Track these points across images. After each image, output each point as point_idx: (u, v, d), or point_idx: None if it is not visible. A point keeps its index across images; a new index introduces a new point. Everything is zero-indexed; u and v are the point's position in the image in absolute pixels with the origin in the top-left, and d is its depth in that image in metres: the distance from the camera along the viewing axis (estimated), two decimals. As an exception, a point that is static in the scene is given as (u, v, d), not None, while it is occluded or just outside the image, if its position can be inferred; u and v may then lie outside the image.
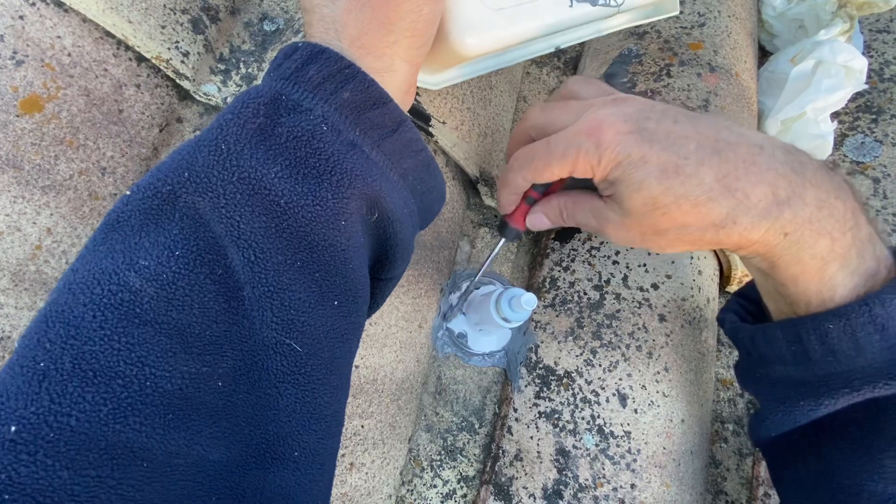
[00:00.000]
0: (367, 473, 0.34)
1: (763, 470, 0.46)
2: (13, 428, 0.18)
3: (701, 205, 0.26)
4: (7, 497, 0.17)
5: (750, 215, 0.25)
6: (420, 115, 0.35)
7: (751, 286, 0.35)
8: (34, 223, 0.33)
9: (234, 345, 0.22)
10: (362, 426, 0.34)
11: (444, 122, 0.36)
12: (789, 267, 0.26)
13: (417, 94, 0.35)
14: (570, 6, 0.31)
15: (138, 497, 0.19)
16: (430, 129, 0.36)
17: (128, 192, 0.23)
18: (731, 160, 0.26)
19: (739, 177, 0.25)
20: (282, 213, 0.22)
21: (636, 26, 0.43)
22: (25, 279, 0.33)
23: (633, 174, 0.26)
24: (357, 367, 0.34)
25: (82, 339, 0.20)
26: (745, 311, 0.34)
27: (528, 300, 0.32)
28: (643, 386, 0.37)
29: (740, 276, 0.45)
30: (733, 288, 0.48)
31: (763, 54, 0.58)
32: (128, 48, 0.37)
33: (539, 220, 0.34)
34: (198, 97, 0.41)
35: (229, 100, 0.40)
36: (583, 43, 0.52)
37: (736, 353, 0.50)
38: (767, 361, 0.30)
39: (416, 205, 0.28)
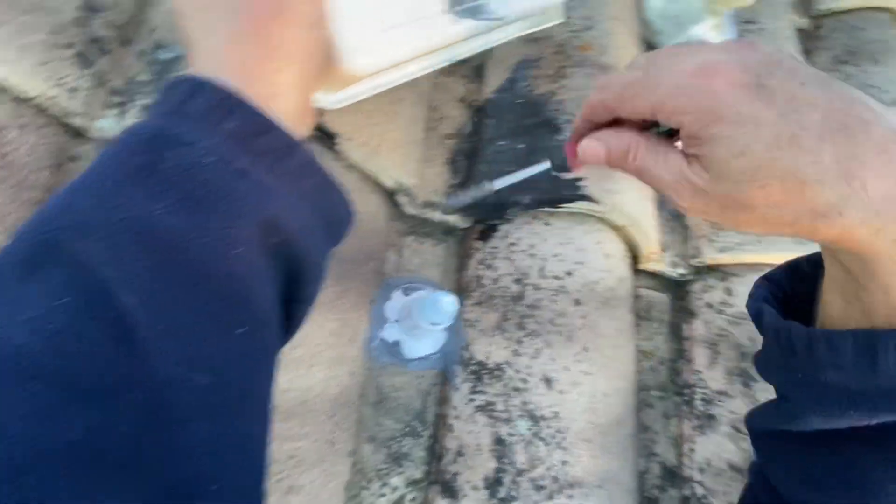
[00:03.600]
0: (307, 495, 0.34)
1: (686, 427, 0.50)
2: None
3: (808, 186, 0.22)
4: None
5: (861, 210, 0.22)
6: (326, 134, 0.36)
7: (781, 270, 0.31)
8: (-89, 284, 0.31)
9: (133, 388, 0.22)
10: (297, 448, 0.34)
11: (350, 140, 0.37)
12: (888, 276, 0.23)
13: (323, 114, 0.36)
14: (455, 22, 0.33)
15: None
16: (337, 146, 0.37)
17: (7, 244, 0.22)
18: (861, 142, 0.22)
19: (865, 163, 0.22)
20: (171, 249, 0.22)
21: (531, 34, 0.46)
22: None
23: (738, 136, 0.22)
24: (285, 390, 0.34)
25: None
26: (775, 298, 0.31)
27: (449, 301, 0.34)
28: (566, 368, 0.39)
29: (647, 254, 0.49)
30: (648, 265, 0.52)
31: (650, 50, 0.63)
32: (5, 90, 0.35)
33: (594, 150, 0.28)
34: (92, 134, 0.39)
35: (128, 133, 0.39)
36: (487, 51, 0.54)
37: (655, 324, 0.54)
38: (820, 366, 0.26)
39: (322, 223, 0.28)
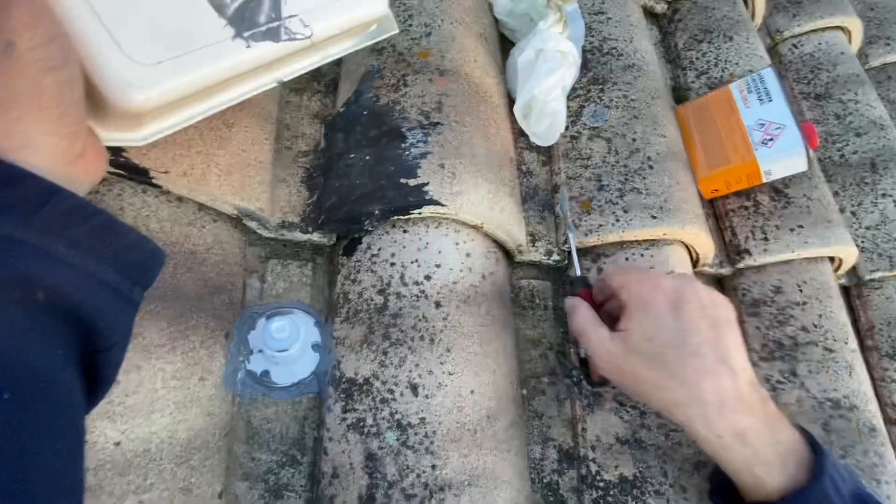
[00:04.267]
0: (158, 549, 0.32)
1: (577, 408, 0.52)
2: None
3: (674, 381, 0.35)
4: None
5: (697, 408, 0.34)
6: (134, 170, 0.34)
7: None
8: None
9: None
10: (140, 502, 0.32)
11: (167, 172, 0.36)
12: (724, 462, 0.35)
13: (123, 151, 0.34)
14: (248, 47, 0.33)
15: None
16: (154, 181, 0.35)
17: None
18: (710, 369, 0.35)
19: (704, 384, 0.34)
20: None
21: (375, 44, 0.46)
22: None
23: (651, 328, 0.36)
24: (118, 443, 0.32)
25: None
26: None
27: (279, 328, 0.33)
28: (430, 371, 0.39)
29: (514, 247, 0.50)
30: (519, 257, 0.53)
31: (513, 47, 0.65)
32: None
33: (571, 302, 0.43)
34: None
35: None
36: (339, 64, 0.54)
37: (539, 311, 0.56)
38: None
39: (110, 268, 0.27)
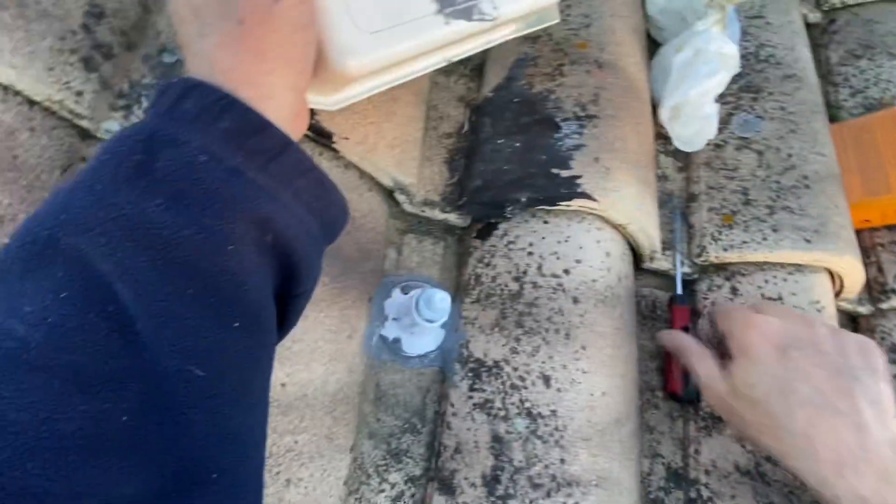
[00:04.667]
0: (305, 488, 0.34)
1: (692, 429, 0.50)
2: None
3: (781, 434, 0.32)
4: None
5: (811, 469, 0.31)
6: (322, 133, 0.36)
7: None
8: (-74, 282, 0.32)
9: (133, 378, 0.22)
10: (296, 442, 0.34)
11: (347, 138, 0.37)
12: None
13: (316, 114, 0.36)
14: (447, 24, 0.33)
15: None
16: (335, 145, 0.37)
17: (6, 241, 0.23)
18: (826, 420, 0.31)
19: (819, 438, 0.31)
20: (166, 245, 0.23)
21: (529, 33, 0.46)
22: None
23: (753, 372, 0.34)
24: (284, 384, 0.34)
25: None
26: None
27: (442, 298, 0.34)
28: (564, 366, 0.39)
29: (649, 252, 0.48)
30: (647, 264, 0.51)
31: (657, 46, 0.63)
32: (16, 93, 0.37)
33: (670, 335, 0.42)
34: (100, 135, 0.40)
35: (134, 135, 0.40)
36: (486, 50, 0.55)
37: (659, 323, 0.54)
38: None
39: (316, 221, 0.29)
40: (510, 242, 0.44)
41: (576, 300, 0.41)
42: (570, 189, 0.41)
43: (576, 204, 0.42)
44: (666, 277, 0.56)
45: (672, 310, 0.51)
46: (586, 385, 0.39)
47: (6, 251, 0.22)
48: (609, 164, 0.42)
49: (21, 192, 0.37)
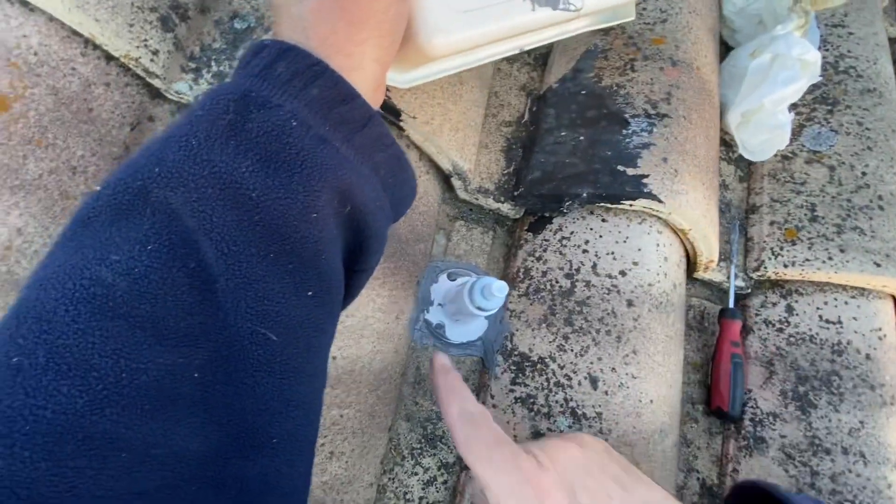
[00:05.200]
0: (346, 462, 0.34)
1: (732, 447, 0.48)
2: None
3: None
4: None
5: None
6: (391, 111, 0.36)
7: None
8: (3, 223, 0.33)
9: (209, 336, 0.23)
10: (341, 415, 0.34)
11: (414, 117, 0.37)
12: None
13: (388, 90, 0.36)
14: (533, 10, 0.32)
15: (117, 487, 0.20)
16: (402, 123, 0.37)
17: (97, 189, 0.23)
18: None
19: None
20: (253, 207, 0.22)
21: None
22: (-4, 280, 0.32)
23: None
24: (334, 357, 0.34)
25: (56, 333, 0.20)
26: None
27: (500, 287, 0.33)
28: (613, 369, 0.38)
29: (706, 261, 0.47)
30: (700, 273, 0.50)
31: (725, 49, 0.60)
32: (96, 47, 0.37)
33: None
34: (169, 95, 0.41)
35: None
36: (552, 39, 0.53)
37: (706, 336, 0.52)
38: None
39: (388, 198, 0.28)
40: (564, 238, 0.43)
41: (630, 303, 0.40)
42: (636, 188, 0.40)
43: (639, 204, 0.40)
44: (716, 289, 0.54)
45: (721, 323, 0.50)
46: (634, 391, 0.38)
47: (96, 198, 0.23)
48: (678, 165, 0.41)
49: (93, 144, 0.37)
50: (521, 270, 0.44)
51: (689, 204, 0.41)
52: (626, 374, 0.38)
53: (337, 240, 0.26)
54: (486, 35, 0.31)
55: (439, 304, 0.43)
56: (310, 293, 0.25)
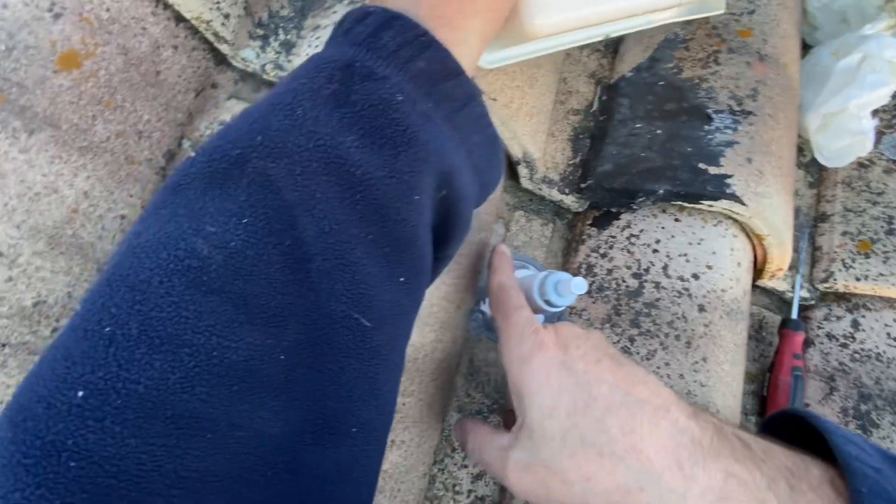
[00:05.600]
0: (406, 451, 0.33)
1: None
2: (80, 393, 0.17)
3: (606, 458, 0.24)
4: (73, 464, 0.16)
5: (657, 486, 0.24)
6: (472, 91, 0.34)
7: None
8: (71, 185, 0.32)
9: (298, 317, 0.22)
10: (403, 404, 0.33)
11: (494, 100, 0.35)
12: None
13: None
14: (627, -3, 0.30)
15: (200, 468, 0.19)
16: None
17: (192, 155, 0.22)
18: (637, 417, 0.25)
19: (644, 437, 0.24)
20: (356, 184, 0.21)
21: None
22: (62, 243, 0.32)
23: (546, 399, 0.26)
24: (400, 345, 0.33)
25: (149, 304, 0.19)
26: None
27: (579, 284, 0.32)
28: (681, 375, 0.37)
29: (774, 269, 0.45)
30: (767, 282, 0.48)
31: (802, 47, 0.57)
32: (167, 6, 0.36)
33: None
34: (234, 62, 0.39)
35: (267, 67, 0.39)
36: (625, 26, 0.51)
37: (763, 346, 0.50)
38: None
39: (478, 183, 0.27)
40: (633, 236, 0.41)
41: (702, 308, 0.38)
42: (718, 188, 0.38)
43: (720, 206, 0.38)
44: (776, 298, 0.52)
45: (782, 334, 0.48)
46: (702, 400, 0.36)
47: (190, 164, 0.21)
48: (762, 167, 0.39)
49: (159, 109, 0.36)
50: (584, 267, 0.43)
51: (771, 208, 0.38)
52: (695, 381, 0.36)
53: (430, 226, 0.24)
54: (583, 18, 0.29)
55: (496, 297, 0.42)
56: (402, 279, 0.23)
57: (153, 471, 0.18)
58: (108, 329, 0.18)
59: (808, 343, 0.49)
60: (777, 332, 0.49)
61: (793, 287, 0.49)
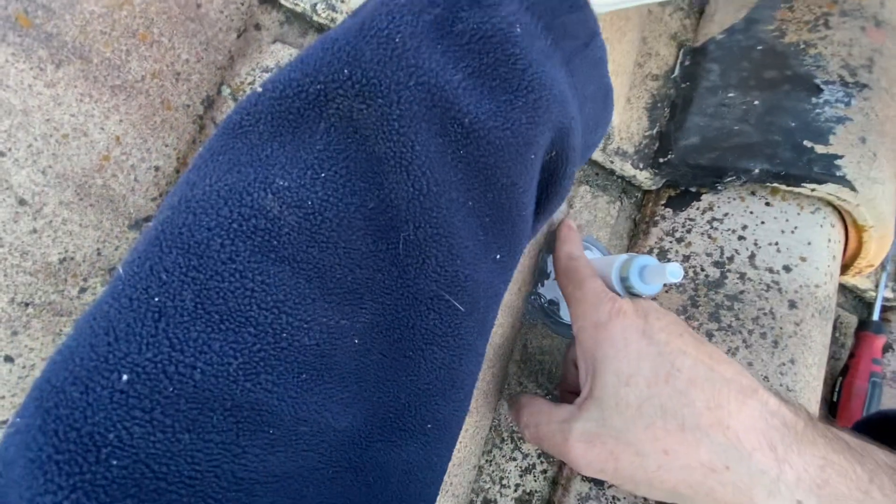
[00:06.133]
0: (460, 443, 0.31)
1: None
2: (125, 377, 0.14)
3: (688, 432, 0.22)
4: (115, 462, 0.13)
5: (746, 466, 0.21)
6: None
7: None
8: (102, 129, 0.28)
9: (376, 295, 0.18)
10: (461, 393, 0.30)
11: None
12: None
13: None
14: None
15: (260, 468, 0.16)
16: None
17: (258, 90, 0.18)
18: (724, 393, 0.22)
19: (732, 413, 0.22)
20: (464, 136, 0.17)
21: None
22: (91, 194, 0.28)
23: (624, 365, 0.24)
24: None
25: (207, 271, 0.15)
26: None
27: (674, 271, 0.28)
28: (765, 377, 0.33)
29: (864, 265, 0.40)
30: (849, 278, 0.43)
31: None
32: (209, -72, 0.31)
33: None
34: (282, 1, 0.35)
35: (318, 7, 0.35)
36: (712, -19, 0.45)
37: (833, 347, 0.46)
38: None
39: (583, 145, 0.23)
40: (715, 220, 0.37)
41: (793, 304, 0.34)
42: (826, 170, 0.33)
43: (824, 190, 0.34)
44: (852, 296, 0.48)
45: (860, 336, 0.44)
46: (788, 405, 0.33)
47: (254, 101, 0.17)
48: (877, 148, 0.34)
49: (199, 48, 0.32)
50: (656, 251, 0.39)
51: (883, 197, 0.34)
52: (781, 385, 0.33)
53: (534, 192, 0.20)
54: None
55: (555, 279, 0.38)
56: (498, 256, 0.20)
57: (208, 472, 0.14)
58: (157, 299, 0.15)
59: (886, 348, 0.44)
60: (854, 333, 0.44)
61: (876, 285, 0.44)
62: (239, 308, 0.15)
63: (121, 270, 0.16)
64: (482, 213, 0.18)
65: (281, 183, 0.16)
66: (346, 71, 0.16)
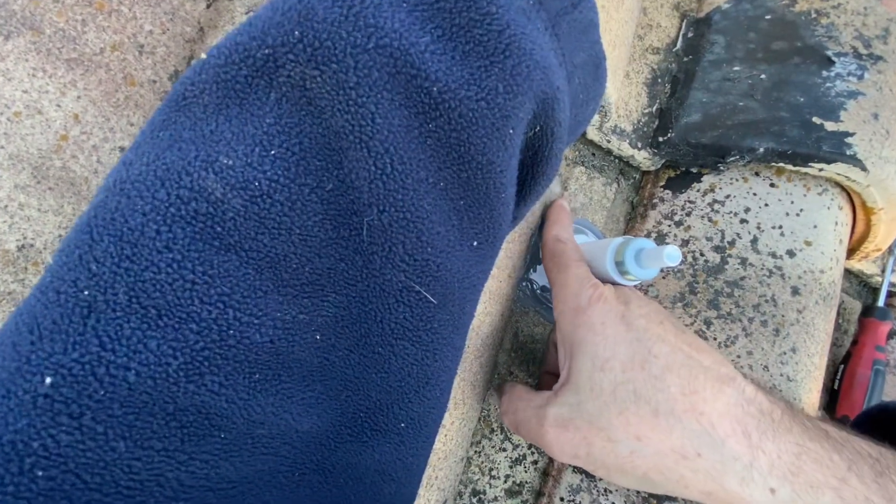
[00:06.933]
0: (446, 436, 0.29)
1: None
2: (48, 380, 0.13)
3: (662, 417, 0.21)
4: (41, 473, 0.12)
5: (718, 452, 0.21)
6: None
7: None
8: (58, 105, 0.26)
9: (339, 287, 0.16)
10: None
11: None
12: None
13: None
14: None
15: (212, 475, 0.14)
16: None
17: (203, 57, 0.16)
18: (700, 380, 0.22)
19: (707, 400, 0.21)
20: (433, 107, 0.15)
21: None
22: (49, 176, 0.27)
23: (600, 349, 0.23)
24: (446, 317, 0.28)
25: (142, 261, 0.14)
26: None
27: (672, 254, 0.26)
28: (765, 367, 0.32)
29: (871, 249, 0.39)
30: (855, 262, 0.42)
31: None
32: None
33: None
34: (254, -34, 0.32)
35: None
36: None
37: (836, 334, 0.45)
38: None
39: (573, 120, 0.21)
40: (716, 202, 0.35)
41: (796, 291, 0.32)
42: (836, 148, 0.31)
43: (833, 170, 0.32)
44: (856, 281, 0.46)
45: (864, 323, 0.42)
46: (787, 395, 0.31)
47: (199, 70, 0.15)
48: (890, 125, 0.32)
49: (164, 19, 0.30)
50: (653, 235, 0.37)
51: (894, 177, 0.32)
52: (782, 374, 0.31)
53: (517, 173, 0.19)
54: None
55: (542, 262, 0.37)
56: (475, 243, 0.18)
57: (150, 480, 0.13)
58: (86, 293, 0.13)
59: (891, 334, 0.43)
60: (858, 319, 0.43)
61: (882, 270, 0.43)
62: (178, 302, 0.14)
63: (51, 260, 0.14)
64: (455, 196, 0.16)
65: (225, 161, 0.14)
66: (296, 32, 0.14)
